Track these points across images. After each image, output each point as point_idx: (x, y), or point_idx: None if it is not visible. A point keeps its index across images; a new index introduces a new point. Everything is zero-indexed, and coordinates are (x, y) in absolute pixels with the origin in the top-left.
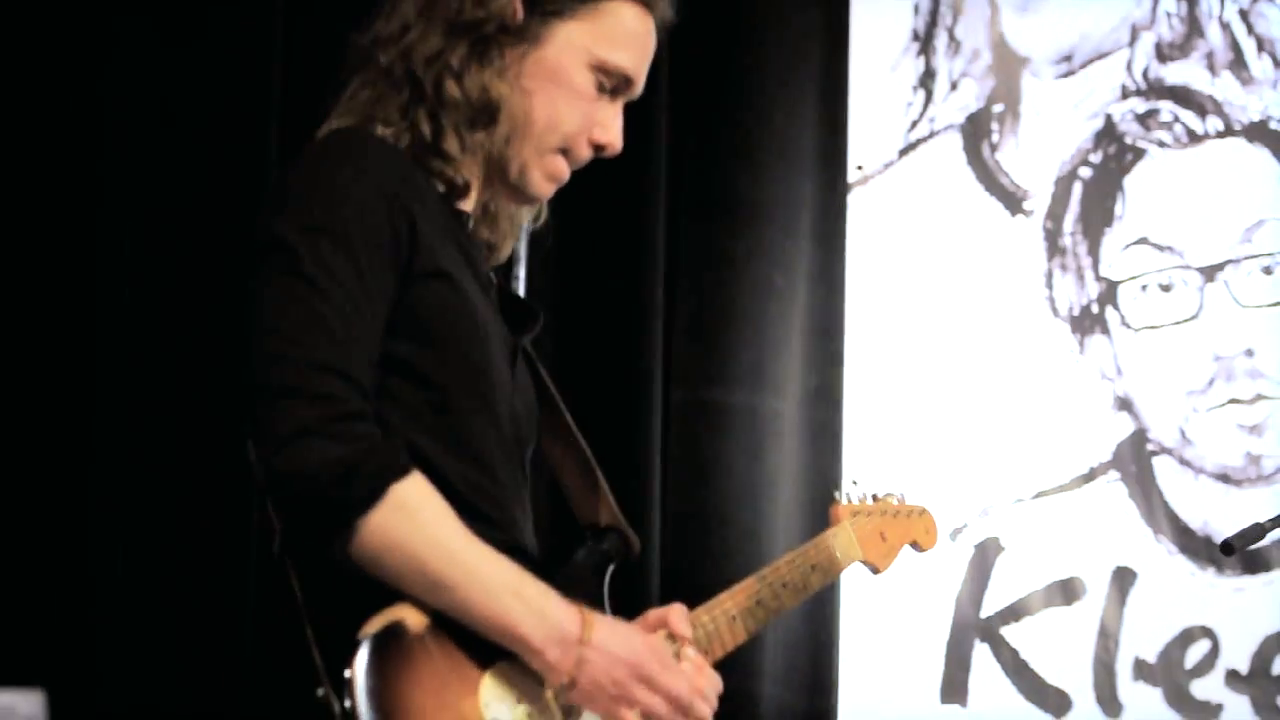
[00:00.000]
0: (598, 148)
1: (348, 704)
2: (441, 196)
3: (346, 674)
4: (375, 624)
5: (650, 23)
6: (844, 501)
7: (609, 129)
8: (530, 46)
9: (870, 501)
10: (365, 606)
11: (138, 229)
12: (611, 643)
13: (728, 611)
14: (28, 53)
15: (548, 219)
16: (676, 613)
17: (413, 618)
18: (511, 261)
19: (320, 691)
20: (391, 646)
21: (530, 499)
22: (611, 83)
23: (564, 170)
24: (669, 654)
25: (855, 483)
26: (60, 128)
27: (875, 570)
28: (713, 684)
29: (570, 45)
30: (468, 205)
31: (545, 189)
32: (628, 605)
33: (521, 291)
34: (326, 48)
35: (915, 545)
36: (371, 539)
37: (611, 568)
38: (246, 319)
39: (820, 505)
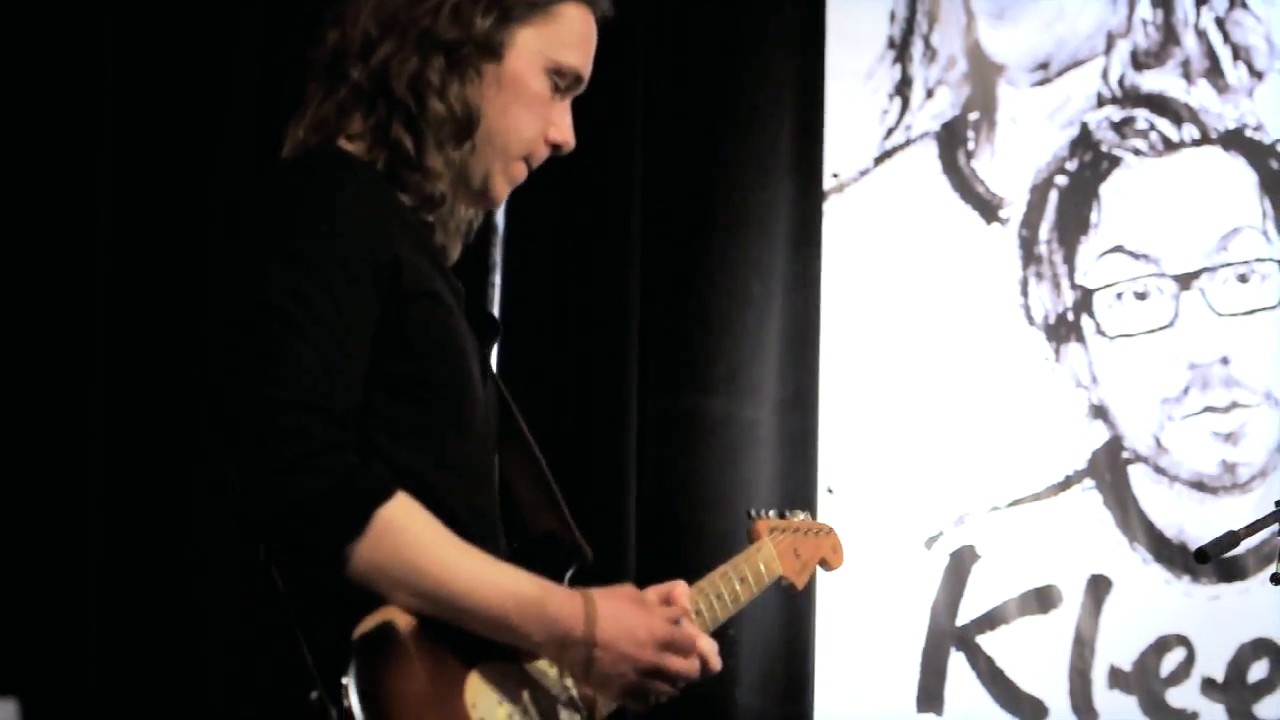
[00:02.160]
0: (554, 147)
1: (345, 705)
2: (412, 211)
3: (344, 681)
4: (367, 625)
5: (592, 20)
6: (760, 517)
7: (562, 127)
8: (494, 56)
9: (780, 519)
10: (354, 609)
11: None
12: (616, 639)
13: None
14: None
15: (546, 219)
16: (680, 589)
17: (401, 618)
18: (487, 269)
19: (314, 695)
20: (384, 648)
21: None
22: (565, 83)
23: (523, 173)
24: (667, 629)
25: (830, 490)
26: (55, 126)
27: (793, 588)
28: (712, 647)
29: (528, 51)
30: (431, 216)
31: (504, 193)
32: None
33: (497, 299)
34: (301, 46)
35: (824, 564)
36: (362, 565)
37: (565, 578)
38: (223, 352)
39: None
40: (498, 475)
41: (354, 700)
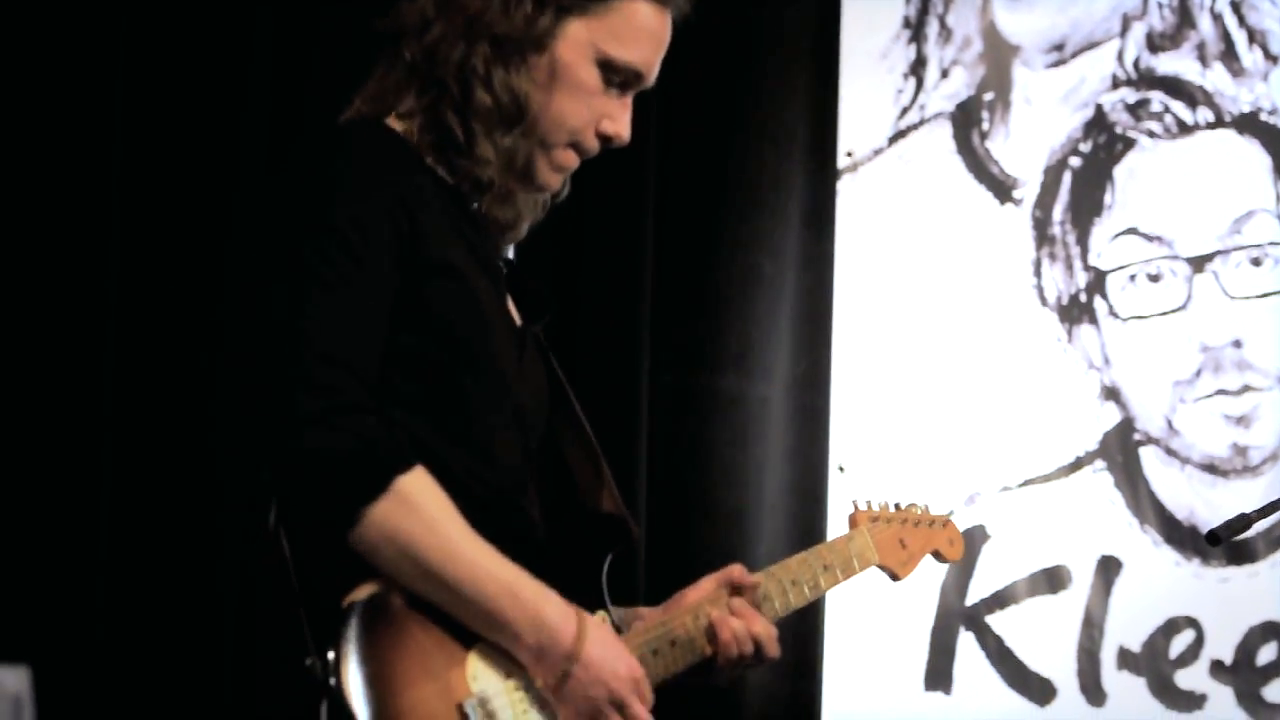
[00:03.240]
0: (605, 139)
1: (332, 681)
2: (449, 188)
3: (330, 655)
4: (363, 592)
5: (664, 17)
6: (863, 508)
7: (617, 121)
8: (542, 45)
9: (892, 509)
10: (356, 578)
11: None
12: (599, 663)
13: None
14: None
15: (569, 192)
16: (739, 570)
17: (397, 588)
18: None
19: (309, 661)
20: (378, 615)
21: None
22: (619, 78)
23: (572, 161)
24: (647, 686)
25: (841, 469)
26: (66, 125)
27: (895, 577)
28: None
29: (578, 42)
30: (479, 200)
31: (553, 180)
32: (613, 589)
33: None
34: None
35: (938, 555)
36: (372, 529)
37: (610, 556)
38: (266, 323)
39: (808, 490)
40: (554, 452)
41: (345, 665)
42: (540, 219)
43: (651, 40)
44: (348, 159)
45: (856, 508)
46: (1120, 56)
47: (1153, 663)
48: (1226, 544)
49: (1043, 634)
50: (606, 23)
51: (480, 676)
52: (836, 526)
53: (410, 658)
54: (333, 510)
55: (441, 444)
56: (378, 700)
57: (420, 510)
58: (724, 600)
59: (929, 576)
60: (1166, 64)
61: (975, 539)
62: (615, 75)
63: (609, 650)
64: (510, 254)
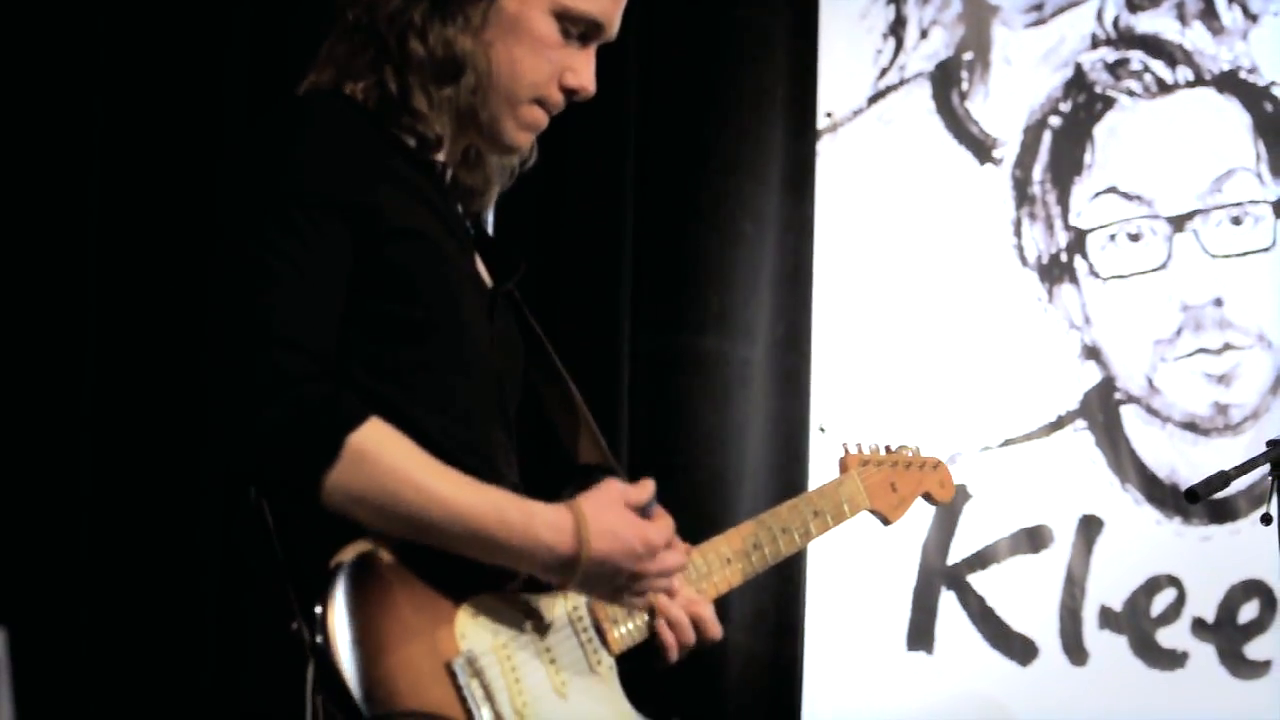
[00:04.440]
0: (570, 92)
1: (319, 639)
2: (409, 152)
3: (318, 609)
4: (347, 553)
5: None
6: (853, 451)
7: (580, 73)
8: (489, 1)
9: (882, 452)
10: (338, 539)
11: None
12: (605, 551)
13: (722, 554)
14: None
15: (537, 159)
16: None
17: (384, 548)
18: None
19: (294, 625)
20: (365, 574)
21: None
22: (578, 29)
23: (540, 118)
24: (657, 533)
25: (823, 429)
26: (44, 123)
27: (885, 520)
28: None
29: None
30: (441, 156)
31: (520, 139)
32: None
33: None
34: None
35: (929, 497)
36: (339, 493)
37: None
38: (212, 302)
39: (789, 451)
40: (534, 409)
41: (331, 626)
42: (508, 185)
43: None
44: (299, 132)
45: (847, 451)
46: (1100, 15)
47: (1134, 621)
48: (1207, 502)
49: (1024, 593)
50: None
51: (469, 635)
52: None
53: (398, 616)
54: (294, 483)
55: (410, 405)
56: (365, 659)
57: (381, 461)
58: None
59: (910, 536)
60: (1146, 23)
61: (957, 499)
62: (573, 26)
63: (611, 527)
64: (490, 219)
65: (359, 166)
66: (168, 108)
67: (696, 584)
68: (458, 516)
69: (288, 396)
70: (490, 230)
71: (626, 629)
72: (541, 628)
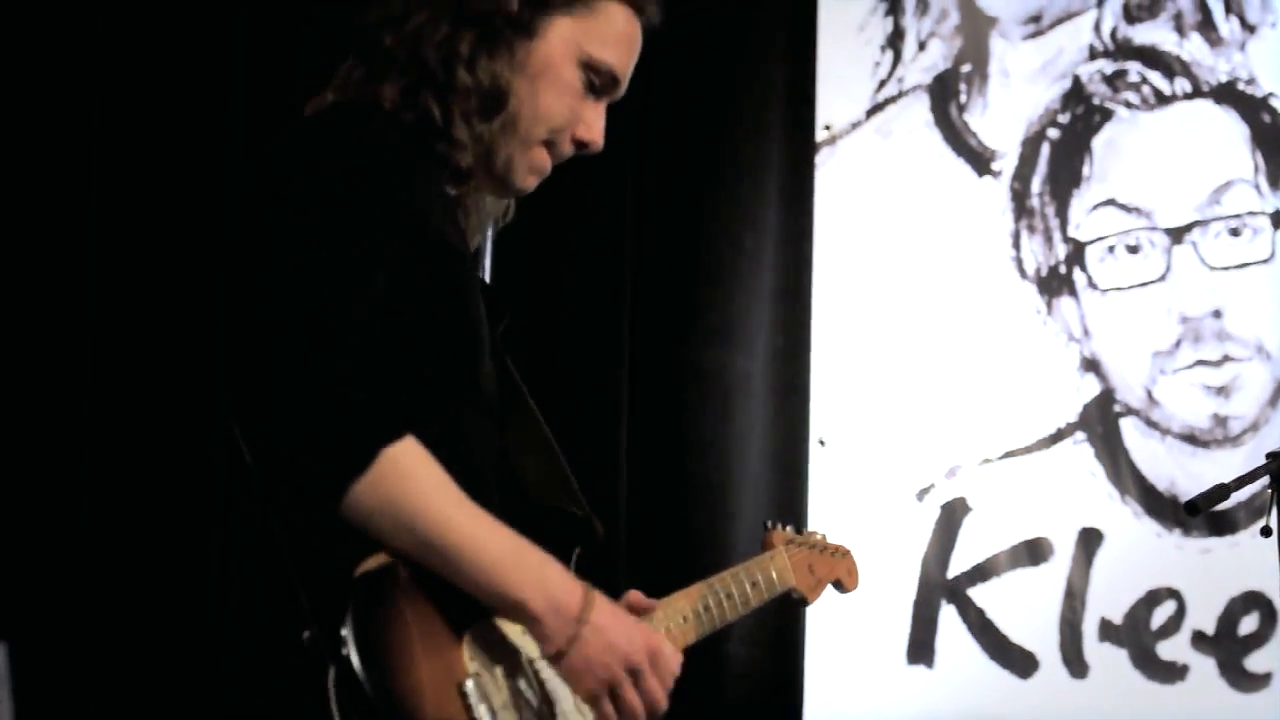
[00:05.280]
0: (580, 144)
1: (341, 645)
2: (450, 173)
3: (343, 627)
4: (370, 564)
5: (638, 26)
6: (777, 529)
7: (592, 127)
8: (526, 39)
9: (795, 533)
10: (355, 549)
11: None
12: (611, 628)
13: (681, 610)
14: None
15: (514, 217)
16: (636, 596)
17: (401, 563)
18: None
19: (305, 634)
20: (386, 588)
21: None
22: (599, 81)
23: (547, 163)
24: (659, 641)
25: (822, 442)
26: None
27: (804, 602)
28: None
29: (563, 40)
30: (458, 190)
31: (528, 182)
32: (596, 573)
33: (489, 250)
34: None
35: (838, 585)
36: (362, 501)
37: (576, 553)
38: (248, 294)
39: (789, 464)
40: (509, 456)
41: (350, 641)
42: (483, 240)
43: (628, 45)
44: (360, 137)
45: (770, 528)
46: (1097, 27)
47: (1134, 634)
48: (1207, 514)
49: (1024, 606)
50: (590, 23)
51: (477, 657)
52: (817, 500)
53: (417, 634)
54: (320, 484)
55: (428, 424)
56: (388, 676)
57: (410, 479)
58: None
59: (910, 549)
60: (1144, 34)
61: (956, 511)
62: (595, 77)
63: (620, 619)
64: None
65: (413, 176)
66: (169, 110)
67: None
68: (474, 543)
69: (333, 397)
70: (489, 245)
71: None
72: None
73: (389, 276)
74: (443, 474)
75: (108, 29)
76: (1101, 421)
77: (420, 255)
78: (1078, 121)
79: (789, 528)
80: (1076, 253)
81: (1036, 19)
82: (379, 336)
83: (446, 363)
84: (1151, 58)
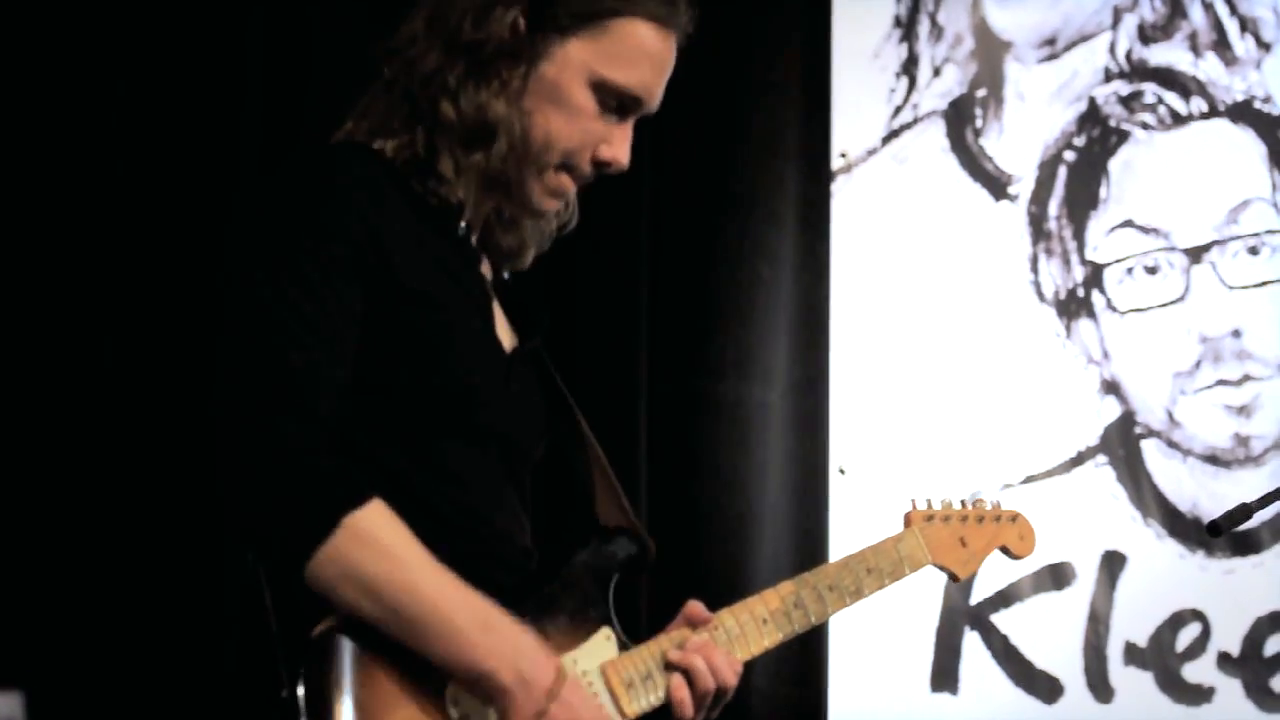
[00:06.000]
0: (602, 164)
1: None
2: (429, 212)
3: (298, 683)
4: (321, 627)
5: (667, 39)
6: (920, 506)
7: (615, 146)
8: (530, 65)
9: (956, 506)
10: (323, 610)
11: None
12: (578, 707)
13: (757, 614)
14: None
15: (577, 220)
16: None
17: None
18: None
19: (284, 693)
20: (334, 652)
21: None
22: (616, 101)
23: (567, 185)
24: None
25: (842, 471)
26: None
27: (954, 577)
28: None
29: (570, 63)
30: (465, 218)
31: (547, 204)
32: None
33: None
34: (306, 54)
35: (1007, 550)
36: (327, 568)
37: (618, 574)
38: (216, 352)
39: (809, 493)
40: (564, 471)
41: (310, 704)
42: (546, 248)
43: (652, 64)
44: (320, 184)
45: (914, 506)
46: (1112, 49)
47: (1159, 657)
48: (1230, 535)
49: (1048, 631)
50: (602, 44)
51: (463, 701)
52: (838, 529)
53: (373, 696)
54: (286, 552)
55: (412, 471)
56: None
57: (374, 544)
58: (682, 638)
59: (932, 576)
60: (1159, 55)
61: None
62: (611, 99)
63: (587, 696)
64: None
65: (379, 230)
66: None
67: (727, 646)
68: (440, 612)
69: (294, 466)
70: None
71: (643, 696)
72: None
73: (357, 331)
74: (409, 538)
75: (123, 38)
76: (1123, 444)
77: (386, 304)
78: (1094, 143)
79: (942, 502)
80: (1095, 275)
81: (1051, 42)
82: (343, 396)
83: (425, 404)
84: (1167, 78)
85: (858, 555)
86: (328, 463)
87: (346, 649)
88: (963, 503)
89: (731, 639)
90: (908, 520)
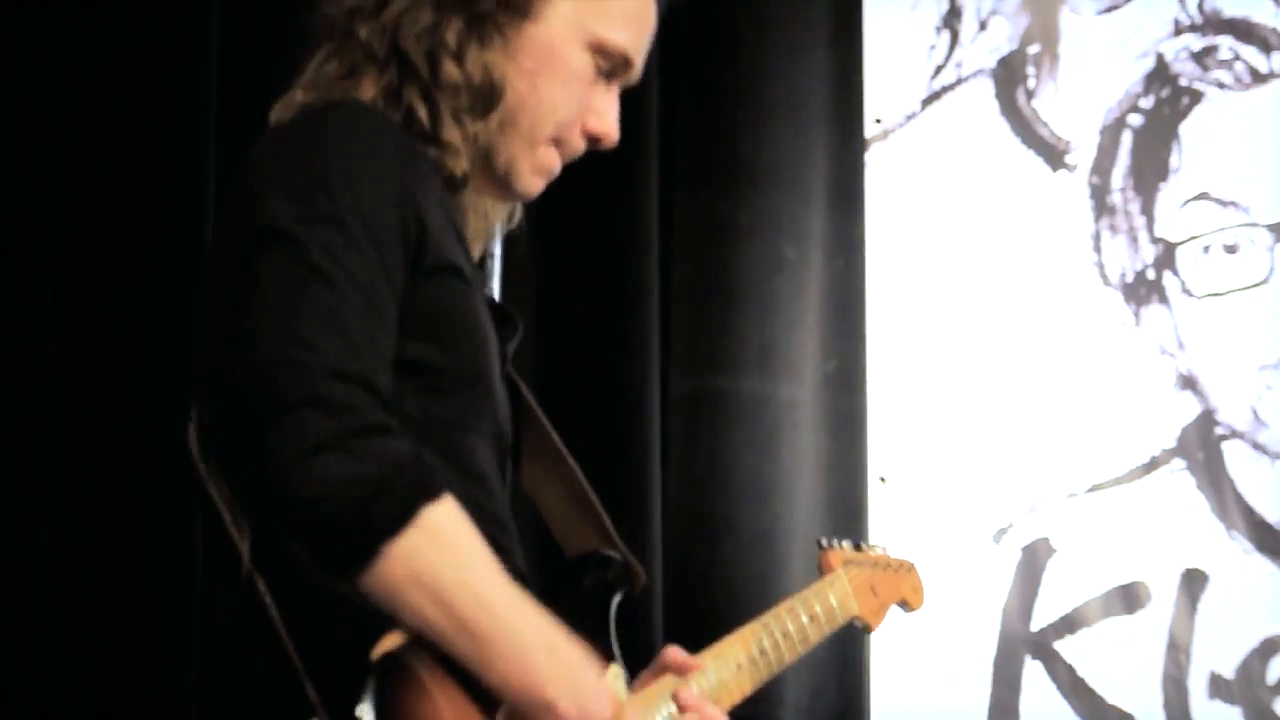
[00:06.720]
0: (593, 138)
1: None
2: (441, 183)
3: (359, 710)
4: (389, 643)
5: (651, 2)
6: (832, 547)
7: (604, 117)
8: (525, 23)
9: (854, 550)
10: (367, 626)
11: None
12: None
13: (734, 659)
14: None
15: (522, 221)
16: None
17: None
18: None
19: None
20: (410, 670)
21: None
22: (609, 64)
23: (555, 163)
24: None
25: (883, 479)
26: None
27: (868, 629)
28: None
29: (566, 22)
30: (455, 197)
31: (534, 185)
32: (630, 629)
33: (497, 270)
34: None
35: (904, 604)
36: (396, 567)
37: (616, 599)
38: (229, 316)
39: (846, 504)
40: (527, 490)
41: None
42: (490, 245)
43: (640, 23)
44: (351, 143)
45: (826, 547)
46: None
47: (1248, 690)
48: None
49: (1121, 661)
50: (596, 2)
51: None
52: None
53: (438, 715)
54: (350, 546)
55: (442, 468)
56: None
57: (450, 546)
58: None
59: (989, 599)
60: (1235, 4)
61: (1039, 554)
62: (605, 61)
63: None
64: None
65: (418, 193)
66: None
67: (713, 696)
68: (511, 630)
69: (363, 446)
70: (497, 264)
71: None
72: None
73: (399, 301)
74: (482, 542)
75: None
76: (1202, 446)
77: (423, 275)
78: (1163, 105)
79: (846, 544)
80: (1167, 255)
81: None
82: (391, 373)
83: (456, 393)
84: (1245, 31)
85: (800, 598)
86: (401, 446)
87: (406, 677)
88: (858, 546)
89: (716, 687)
90: (828, 563)
